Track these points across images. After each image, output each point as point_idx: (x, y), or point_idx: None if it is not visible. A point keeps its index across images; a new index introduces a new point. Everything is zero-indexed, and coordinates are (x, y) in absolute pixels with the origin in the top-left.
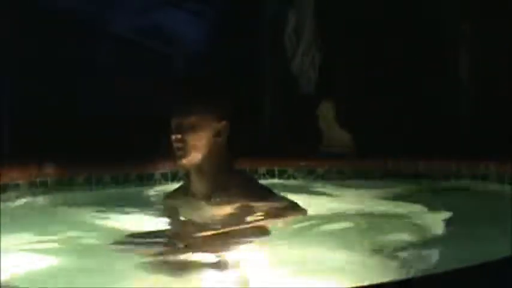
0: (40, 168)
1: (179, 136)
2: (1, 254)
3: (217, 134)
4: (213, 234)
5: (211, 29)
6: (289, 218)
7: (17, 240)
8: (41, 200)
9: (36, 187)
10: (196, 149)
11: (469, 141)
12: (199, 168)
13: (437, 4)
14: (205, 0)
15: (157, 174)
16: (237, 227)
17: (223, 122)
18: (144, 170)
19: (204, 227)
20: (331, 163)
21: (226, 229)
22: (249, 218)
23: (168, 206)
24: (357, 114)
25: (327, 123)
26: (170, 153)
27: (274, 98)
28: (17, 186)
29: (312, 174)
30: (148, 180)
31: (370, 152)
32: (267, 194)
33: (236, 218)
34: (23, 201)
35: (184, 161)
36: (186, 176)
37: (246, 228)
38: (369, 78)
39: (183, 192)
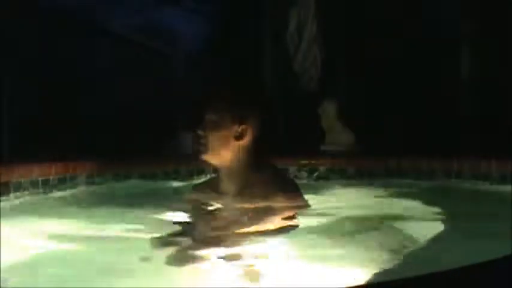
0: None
1: (202, 132)
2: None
3: (238, 137)
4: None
5: (213, 28)
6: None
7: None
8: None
9: (37, 186)
10: (215, 148)
11: (471, 140)
12: (227, 167)
13: (438, 4)
14: (207, 0)
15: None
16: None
17: (244, 126)
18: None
19: (228, 222)
20: (333, 162)
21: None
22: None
23: (192, 199)
24: (359, 113)
25: (329, 122)
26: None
27: (277, 97)
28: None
29: (314, 173)
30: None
31: (372, 151)
32: (289, 194)
33: (257, 217)
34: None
35: (203, 157)
36: (215, 172)
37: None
38: (370, 77)
39: (211, 187)
